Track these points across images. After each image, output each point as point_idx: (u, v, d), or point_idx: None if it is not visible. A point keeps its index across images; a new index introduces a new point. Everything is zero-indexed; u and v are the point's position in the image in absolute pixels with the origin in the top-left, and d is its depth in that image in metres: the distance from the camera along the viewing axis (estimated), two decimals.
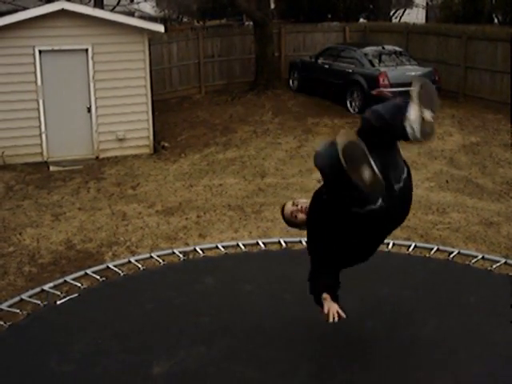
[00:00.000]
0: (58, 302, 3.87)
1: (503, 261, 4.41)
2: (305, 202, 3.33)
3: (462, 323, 3.63)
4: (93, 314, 3.78)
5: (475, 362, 3.28)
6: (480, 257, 4.51)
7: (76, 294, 3.97)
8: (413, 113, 2.79)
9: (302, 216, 3.27)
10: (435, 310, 3.78)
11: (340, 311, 2.98)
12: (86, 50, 11.07)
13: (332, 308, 2.98)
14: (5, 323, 3.69)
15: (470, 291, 4.00)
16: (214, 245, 4.89)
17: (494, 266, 4.28)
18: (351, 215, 3.00)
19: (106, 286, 4.14)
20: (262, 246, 4.80)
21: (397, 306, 3.79)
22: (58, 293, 3.99)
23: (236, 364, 3.29)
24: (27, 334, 3.56)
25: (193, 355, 3.37)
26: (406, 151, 11.05)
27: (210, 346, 3.44)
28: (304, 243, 4.78)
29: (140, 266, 4.44)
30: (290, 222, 3.40)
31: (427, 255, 4.62)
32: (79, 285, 4.15)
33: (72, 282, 4.19)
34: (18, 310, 3.86)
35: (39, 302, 3.92)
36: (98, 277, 4.24)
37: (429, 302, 3.87)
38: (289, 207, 3.37)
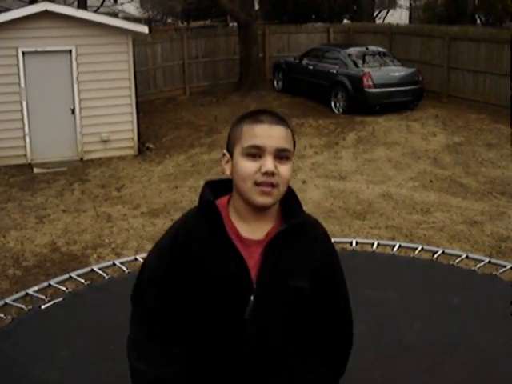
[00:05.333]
0: (43, 307, 3.84)
1: (487, 260, 4.44)
2: None
3: (446, 326, 3.64)
4: (78, 319, 3.75)
5: (460, 367, 3.28)
6: (464, 256, 4.54)
7: (61, 299, 3.94)
8: None
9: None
10: (420, 312, 3.78)
11: None
12: (70, 52, 11.01)
13: None
14: None
15: (454, 292, 4.02)
16: None
17: (478, 266, 4.31)
18: None
19: (90, 290, 4.11)
20: None
21: (382, 308, 3.79)
22: (43, 297, 3.96)
23: None
24: (11, 339, 3.53)
25: None
26: (390, 151, 11.17)
27: None
28: None
29: (125, 268, 4.41)
30: None
31: (412, 255, 4.64)
32: (64, 288, 4.12)
33: (56, 285, 4.16)
34: (2, 315, 3.83)
35: (23, 307, 3.89)
36: (83, 280, 4.22)
37: (413, 304, 3.88)
38: None
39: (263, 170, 1.73)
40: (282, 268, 1.82)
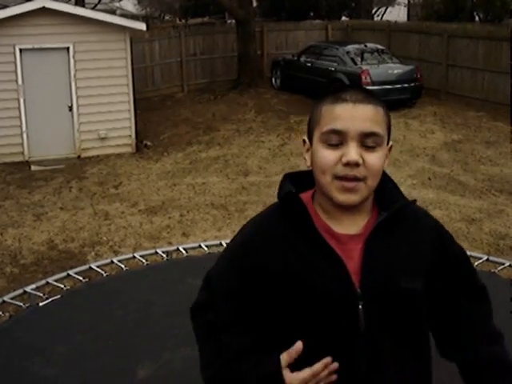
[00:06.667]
0: (41, 304, 3.83)
1: (485, 258, 4.44)
2: None
3: None
4: (76, 316, 3.74)
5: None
6: None
7: (58, 296, 3.93)
8: None
9: None
10: None
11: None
12: (67, 49, 10.98)
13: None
14: None
15: None
16: (197, 244, 4.87)
17: (476, 264, 4.30)
18: None
19: (88, 288, 4.10)
20: None
21: None
22: (41, 294, 3.95)
23: None
24: (9, 336, 3.52)
25: (178, 357, 3.33)
26: None
27: (194, 347, 3.40)
28: None
29: (123, 266, 4.40)
30: None
31: None
32: (62, 286, 4.11)
33: (54, 283, 4.15)
34: (0, 312, 3.82)
35: (21, 304, 3.88)
36: (81, 278, 4.20)
37: None
38: None
39: (344, 160, 1.40)
40: (390, 267, 1.47)
